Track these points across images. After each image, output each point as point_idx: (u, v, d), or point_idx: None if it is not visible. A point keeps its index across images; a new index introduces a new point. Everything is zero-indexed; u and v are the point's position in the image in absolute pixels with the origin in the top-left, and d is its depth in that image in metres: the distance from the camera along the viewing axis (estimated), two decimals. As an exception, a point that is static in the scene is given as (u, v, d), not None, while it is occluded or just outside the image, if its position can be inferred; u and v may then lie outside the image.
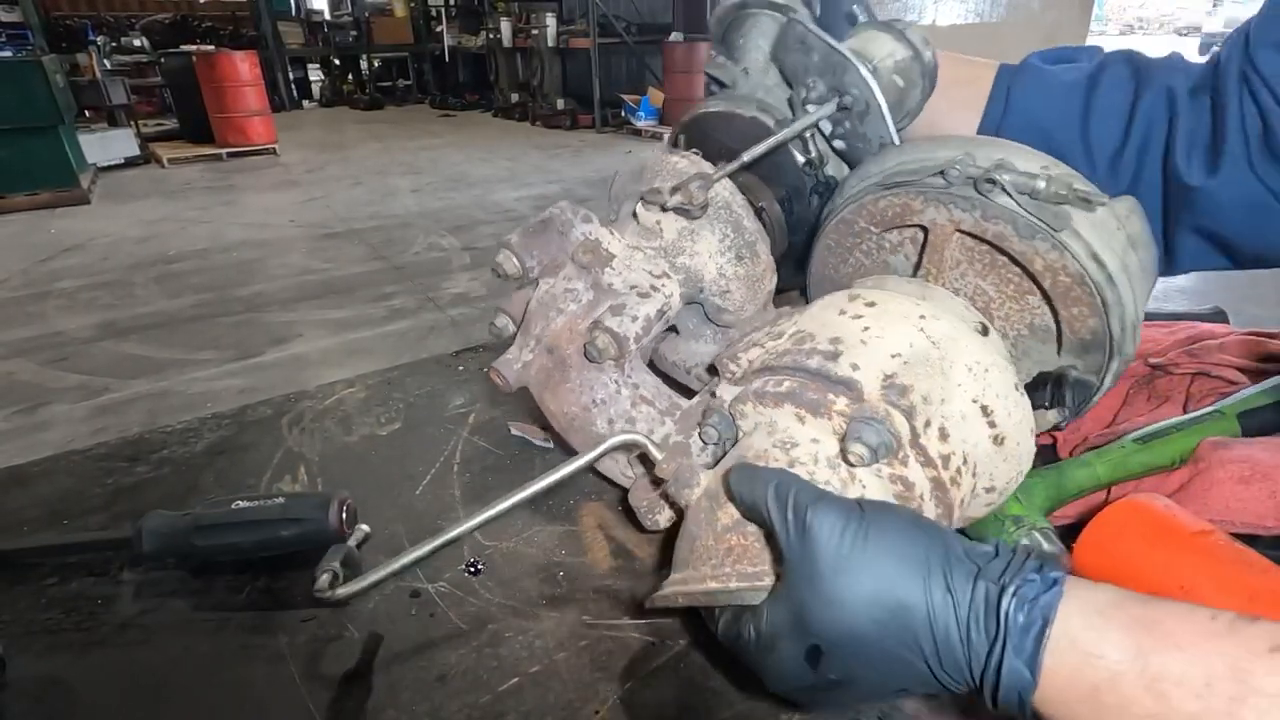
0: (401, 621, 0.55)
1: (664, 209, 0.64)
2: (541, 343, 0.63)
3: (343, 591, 0.51)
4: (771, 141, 0.63)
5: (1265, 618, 0.32)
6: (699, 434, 0.55)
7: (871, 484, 0.46)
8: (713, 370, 0.62)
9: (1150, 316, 0.85)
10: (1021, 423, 0.51)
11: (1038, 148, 0.55)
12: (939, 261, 0.58)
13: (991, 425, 0.49)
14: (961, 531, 0.56)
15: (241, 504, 0.59)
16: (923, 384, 0.47)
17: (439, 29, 13.02)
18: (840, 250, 0.66)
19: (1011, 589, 0.35)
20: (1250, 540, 0.52)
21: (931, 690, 0.38)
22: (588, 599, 0.57)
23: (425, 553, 0.52)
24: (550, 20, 9.90)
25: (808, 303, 0.63)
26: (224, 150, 7.87)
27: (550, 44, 9.88)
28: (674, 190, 0.60)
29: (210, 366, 3.17)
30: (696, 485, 0.51)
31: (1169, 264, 0.70)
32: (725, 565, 0.45)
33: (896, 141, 0.63)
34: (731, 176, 0.65)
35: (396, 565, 0.52)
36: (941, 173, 0.53)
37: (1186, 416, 0.65)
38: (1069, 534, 0.56)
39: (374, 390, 0.90)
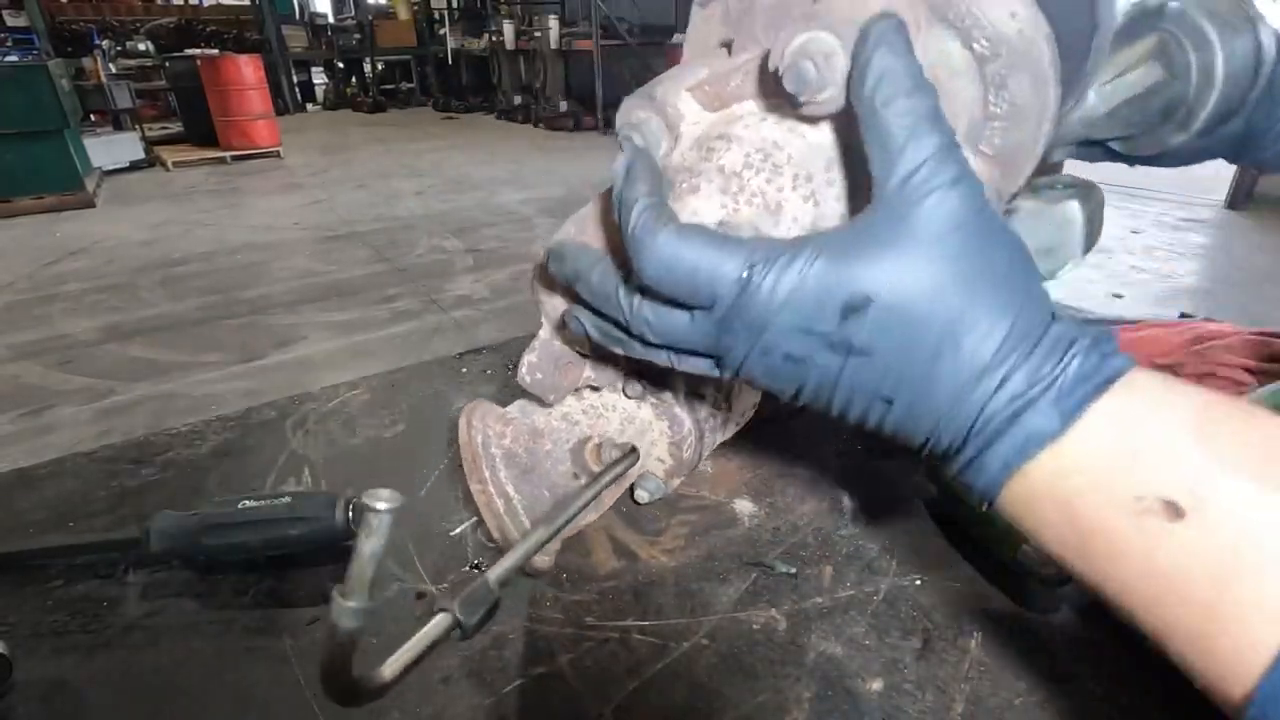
0: (405, 623, 0.55)
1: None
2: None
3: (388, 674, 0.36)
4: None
5: None
6: (624, 388, 0.56)
7: None
8: None
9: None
10: None
11: None
12: None
13: None
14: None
15: (249, 504, 0.59)
16: None
17: (442, 32, 13.07)
18: None
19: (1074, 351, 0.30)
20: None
21: (910, 418, 0.33)
22: (591, 600, 0.57)
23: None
24: (553, 22, 9.94)
25: None
26: (228, 153, 7.90)
27: (553, 46, 9.92)
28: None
29: (215, 369, 3.18)
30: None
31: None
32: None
33: None
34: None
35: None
36: None
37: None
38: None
39: (378, 392, 0.90)
